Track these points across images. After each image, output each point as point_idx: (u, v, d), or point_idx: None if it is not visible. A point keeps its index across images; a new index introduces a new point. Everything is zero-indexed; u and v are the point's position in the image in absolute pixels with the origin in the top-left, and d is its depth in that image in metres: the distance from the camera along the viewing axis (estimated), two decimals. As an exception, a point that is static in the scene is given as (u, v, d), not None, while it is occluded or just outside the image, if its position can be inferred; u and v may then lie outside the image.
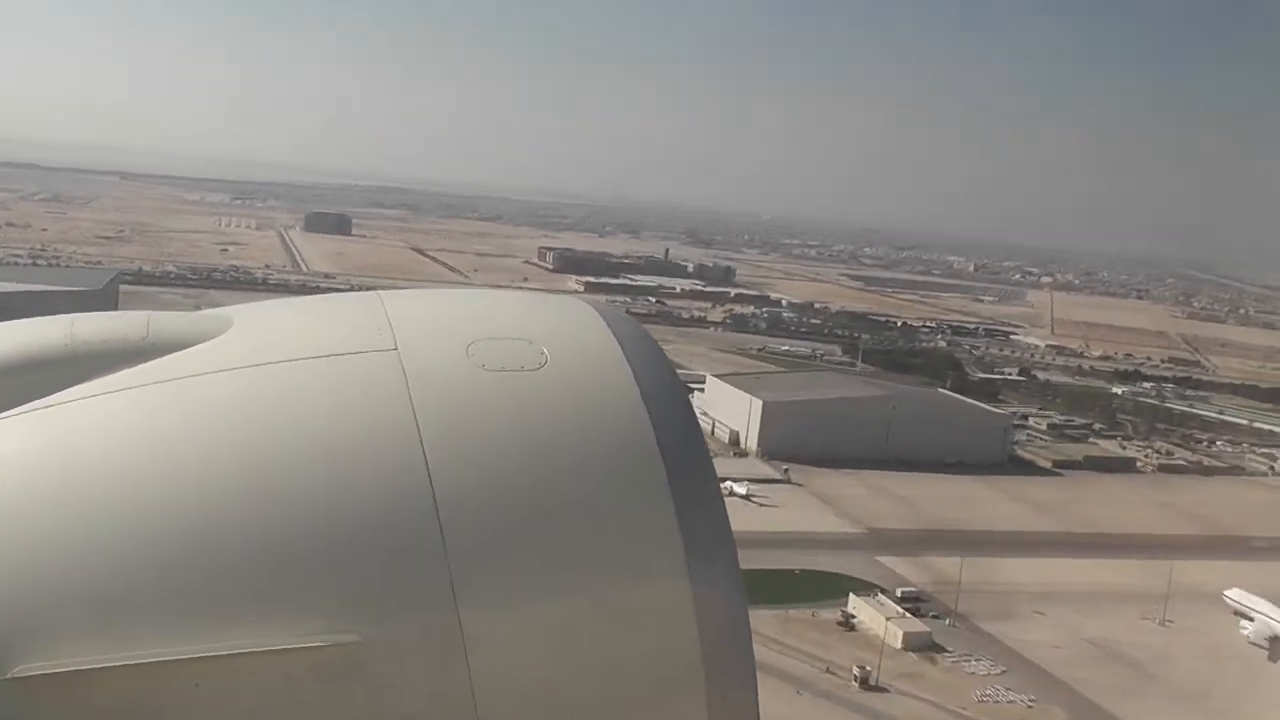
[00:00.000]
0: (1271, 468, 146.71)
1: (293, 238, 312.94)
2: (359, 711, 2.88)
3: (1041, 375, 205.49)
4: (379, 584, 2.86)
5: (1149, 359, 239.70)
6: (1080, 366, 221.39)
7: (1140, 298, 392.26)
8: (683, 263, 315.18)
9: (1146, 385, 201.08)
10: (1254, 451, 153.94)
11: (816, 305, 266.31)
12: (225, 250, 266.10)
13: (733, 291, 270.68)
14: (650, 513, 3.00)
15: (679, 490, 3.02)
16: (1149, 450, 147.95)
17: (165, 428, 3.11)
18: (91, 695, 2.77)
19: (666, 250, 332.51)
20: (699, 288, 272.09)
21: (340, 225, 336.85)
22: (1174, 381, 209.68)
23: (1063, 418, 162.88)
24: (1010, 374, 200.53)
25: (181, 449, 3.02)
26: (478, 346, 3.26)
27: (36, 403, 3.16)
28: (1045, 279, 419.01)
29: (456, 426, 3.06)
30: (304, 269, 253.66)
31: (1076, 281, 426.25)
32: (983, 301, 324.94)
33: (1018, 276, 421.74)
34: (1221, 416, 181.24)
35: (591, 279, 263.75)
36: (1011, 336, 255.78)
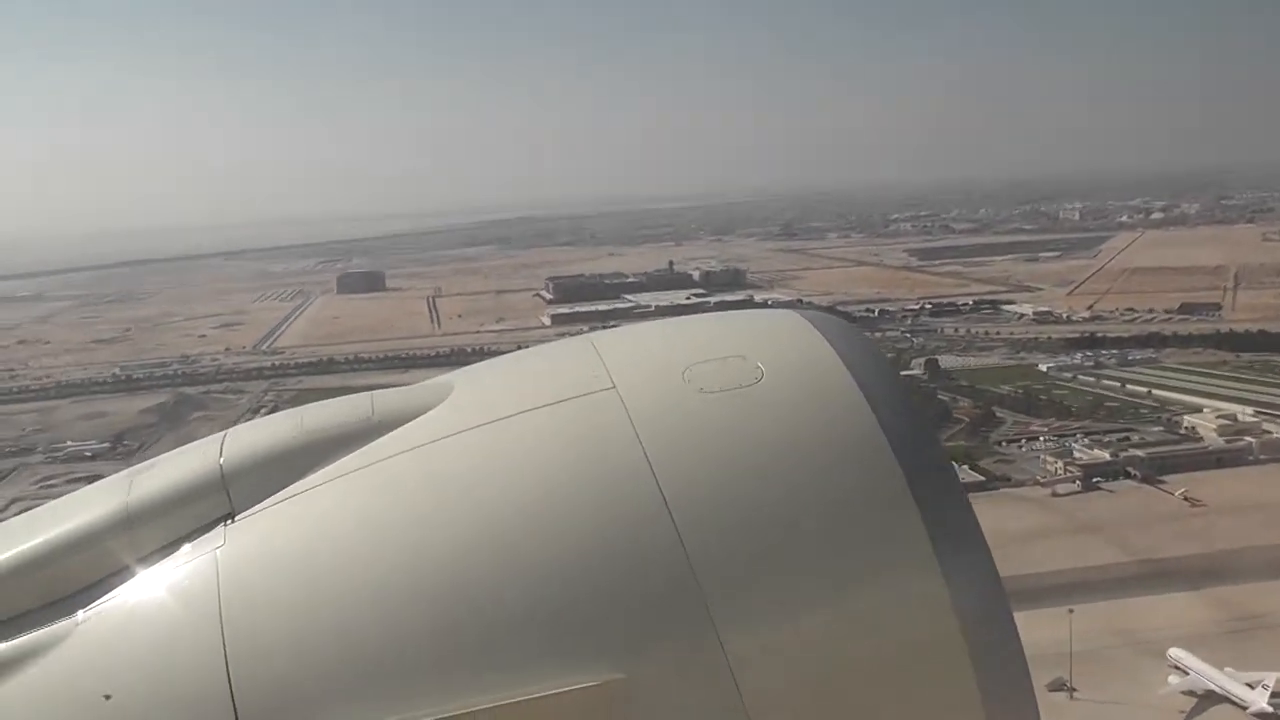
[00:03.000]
0: (1047, 471, 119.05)
1: (313, 304, 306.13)
2: None
3: (968, 361, 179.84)
4: (636, 619, 2.91)
5: (1151, 310, 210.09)
6: (1037, 339, 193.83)
7: (1251, 220, 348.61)
8: (690, 271, 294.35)
9: (1081, 356, 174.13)
10: (1049, 454, 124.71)
11: (802, 301, 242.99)
12: (204, 336, 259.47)
13: (712, 300, 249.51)
14: (891, 510, 3.01)
15: (916, 484, 3.02)
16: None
17: (405, 498, 3.23)
18: None
19: (670, 263, 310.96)
20: (683, 300, 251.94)
21: (371, 283, 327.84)
22: (1130, 344, 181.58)
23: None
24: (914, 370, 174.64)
25: (424, 516, 3.14)
26: (693, 371, 3.31)
27: (276, 495, 3.32)
28: (1157, 214, 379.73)
29: (685, 453, 3.11)
30: (266, 347, 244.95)
31: (1193, 212, 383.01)
32: (1038, 260, 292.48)
33: (1125, 217, 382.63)
34: (1123, 391, 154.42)
35: (565, 309, 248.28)
36: (1004, 308, 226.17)
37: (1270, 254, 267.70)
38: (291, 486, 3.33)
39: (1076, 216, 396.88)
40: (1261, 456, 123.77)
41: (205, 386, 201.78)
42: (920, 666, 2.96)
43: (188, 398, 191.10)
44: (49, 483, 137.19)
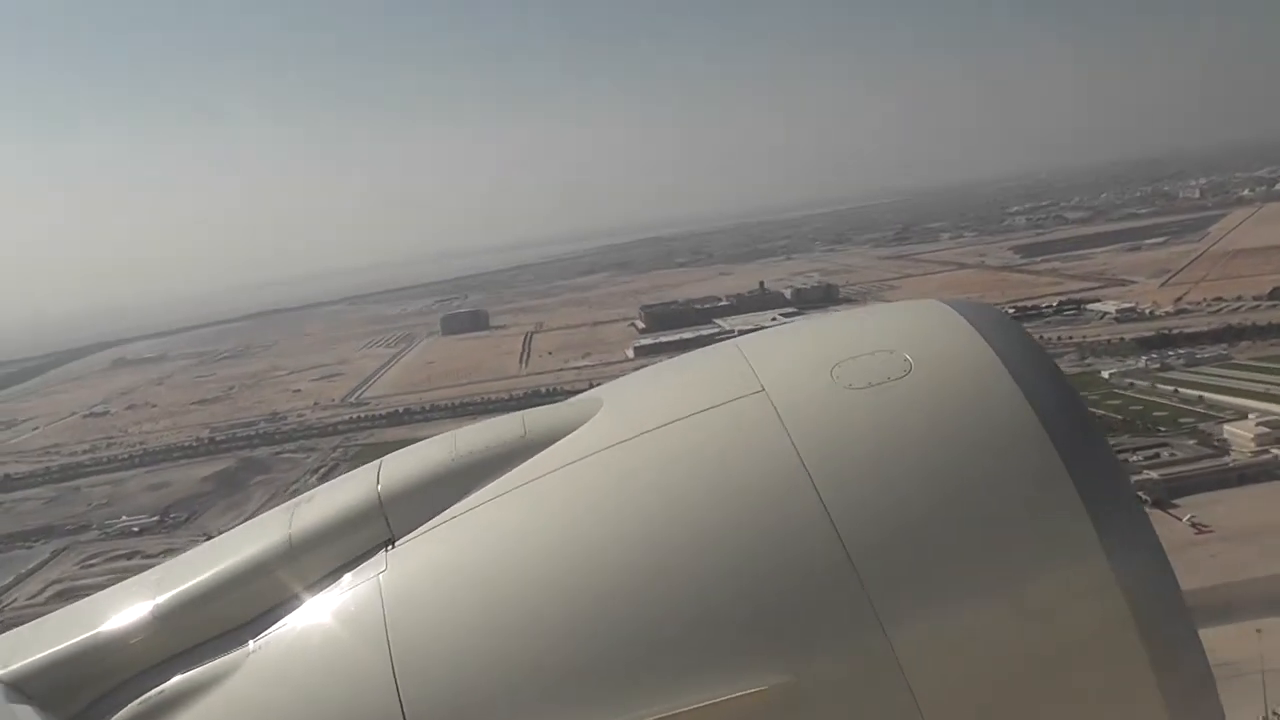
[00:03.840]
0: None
1: (415, 349, 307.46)
2: None
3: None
4: (801, 621, 2.91)
5: (1239, 298, 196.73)
6: (1110, 341, 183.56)
7: None
8: (782, 290, 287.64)
9: (1146, 359, 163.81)
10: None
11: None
12: (298, 391, 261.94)
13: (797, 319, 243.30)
14: (1054, 502, 2.97)
15: (1078, 474, 2.98)
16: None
17: (563, 515, 3.27)
18: None
19: (761, 283, 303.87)
20: (768, 322, 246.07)
21: (475, 322, 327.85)
22: (1205, 339, 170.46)
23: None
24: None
25: (583, 531, 3.18)
26: (841, 368, 3.32)
27: (435, 519, 3.42)
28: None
29: (838, 451, 3.11)
30: (353, 399, 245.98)
31: None
32: (1141, 248, 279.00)
33: (1246, 191, 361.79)
34: (1175, 397, 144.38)
35: (649, 340, 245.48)
36: (1087, 307, 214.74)
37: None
38: (450, 509, 3.40)
39: (1196, 194, 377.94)
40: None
41: (280, 446, 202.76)
42: (1093, 659, 2.91)
43: (253, 461, 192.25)
44: (90, 563, 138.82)
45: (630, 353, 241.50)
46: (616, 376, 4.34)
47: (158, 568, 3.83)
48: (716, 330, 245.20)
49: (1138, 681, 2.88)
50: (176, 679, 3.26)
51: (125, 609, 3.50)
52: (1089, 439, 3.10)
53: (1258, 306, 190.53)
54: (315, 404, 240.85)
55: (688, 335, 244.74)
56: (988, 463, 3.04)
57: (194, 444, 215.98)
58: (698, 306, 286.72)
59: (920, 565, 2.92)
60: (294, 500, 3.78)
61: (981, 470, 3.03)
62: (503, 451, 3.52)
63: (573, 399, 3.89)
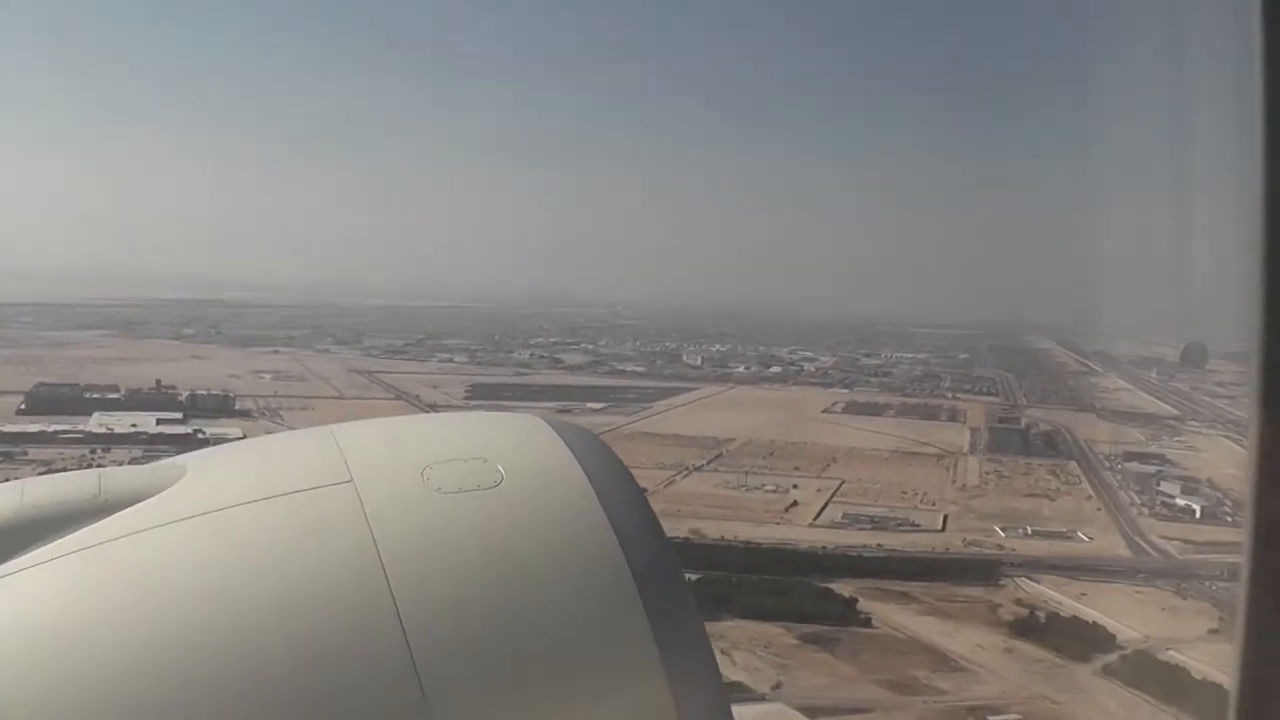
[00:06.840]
0: None
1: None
2: None
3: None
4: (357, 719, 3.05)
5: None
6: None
7: (798, 384, 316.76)
8: (179, 393, 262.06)
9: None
10: None
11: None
12: None
13: (180, 431, 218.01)
14: (621, 617, 2.93)
15: (646, 589, 2.94)
16: None
17: (123, 586, 3.01)
18: None
19: (158, 381, 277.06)
20: (127, 428, 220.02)
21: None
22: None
23: None
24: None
25: (143, 606, 2.93)
26: (433, 470, 3.18)
27: None
28: (776, 368, 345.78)
29: (418, 553, 3.00)
30: None
31: (809, 369, 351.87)
32: (569, 414, 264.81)
33: (742, 368, 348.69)
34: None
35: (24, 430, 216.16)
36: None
37: (770, 429, 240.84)
38: (6, 564, 3.06)
39: (699, 362, 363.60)
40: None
41: None
42: None
43: None
44: None
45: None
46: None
47: None
48: (67, 429, 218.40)
49: None
50: None
51: None
52: (663, 563, 3.08)
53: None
54: None
55: (32, 429, 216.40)
56: (565, 581, 3.01)
57: None
58: (87, 395, 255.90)
59: (484, 675, 2.85)
60: None
61: (558, 589, 3.00)
62: (73, 509, 3.15)
63: (157, 463, 3.53)
